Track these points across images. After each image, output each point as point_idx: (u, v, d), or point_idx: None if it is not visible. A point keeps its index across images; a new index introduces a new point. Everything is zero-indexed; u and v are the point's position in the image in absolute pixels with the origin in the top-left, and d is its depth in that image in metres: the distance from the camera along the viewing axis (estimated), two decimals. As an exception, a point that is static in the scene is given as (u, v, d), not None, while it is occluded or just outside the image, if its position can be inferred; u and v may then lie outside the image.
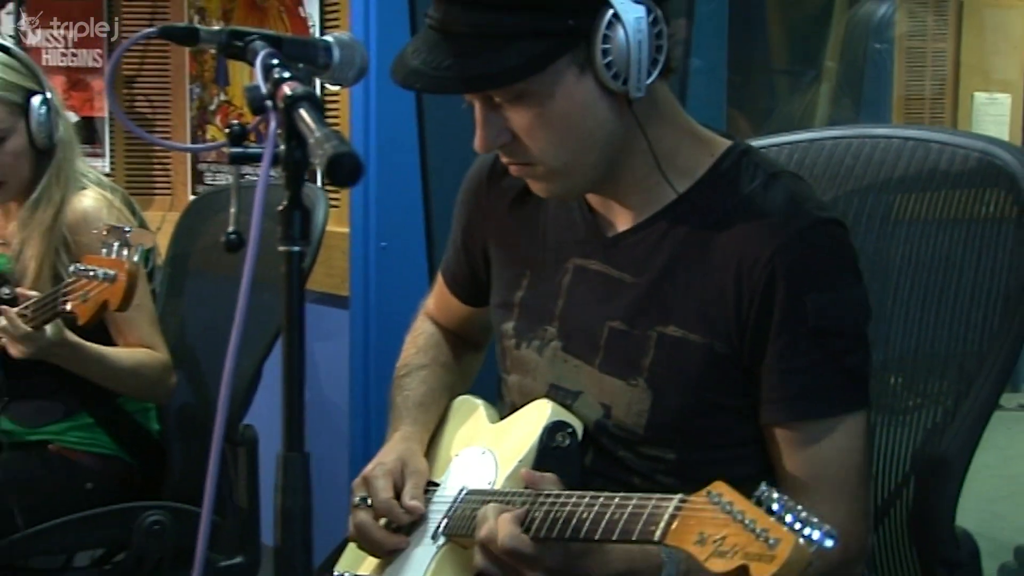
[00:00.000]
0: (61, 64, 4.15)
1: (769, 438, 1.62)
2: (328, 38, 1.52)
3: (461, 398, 1.92)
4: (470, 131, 1.64)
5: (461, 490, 1.71)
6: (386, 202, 3.48)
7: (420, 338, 2.01)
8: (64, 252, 2.57)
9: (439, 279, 1.99)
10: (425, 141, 3.45)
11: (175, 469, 2.74)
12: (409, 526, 1.73)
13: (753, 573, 1.24)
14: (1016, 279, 1.68)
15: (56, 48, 4.16)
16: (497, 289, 1.83)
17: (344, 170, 1.21)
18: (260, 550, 2.65)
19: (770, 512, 1.25)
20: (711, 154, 1.66)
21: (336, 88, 3.46)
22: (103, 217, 2.57)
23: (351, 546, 1.81)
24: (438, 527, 1.69)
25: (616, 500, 1.43)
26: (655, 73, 1.56)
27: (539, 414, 1.69)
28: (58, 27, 4.16)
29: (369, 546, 1.74)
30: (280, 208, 1.31)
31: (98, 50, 4.18)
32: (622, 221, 1.69)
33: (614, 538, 1.41)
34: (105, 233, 2.25)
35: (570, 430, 1.66)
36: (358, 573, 1.76)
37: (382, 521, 1.73)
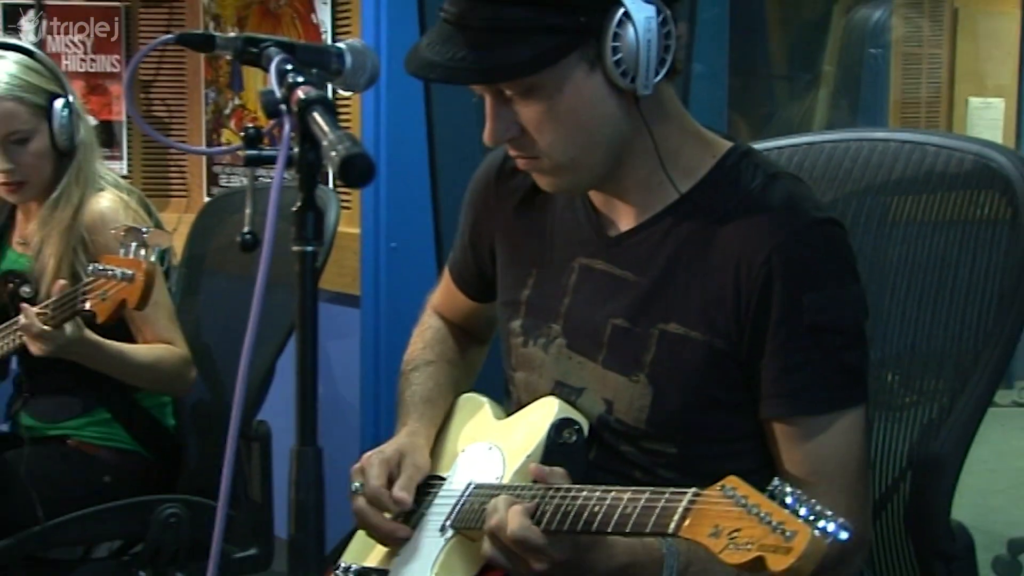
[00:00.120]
0: (80, 69, 4.16)
1: (768, 433, 1.62)
2: (340, 44, 1.52)
3: (467, 395, 1.92)
4: (477, 135, 1.64)
5: (468, 484, 1.70)
6: (396, 204, 3.49)
7: (427, 333, 2.01)
8: (82, 251, 2.58)
9: (446, 275, 1.99)
10: (434, 144, 3.46)
11: (190, 463, 2.74)
12: (414, 518, 1.73)
13: (770, 565, 1.23)
14: (1010, 279, 1.68)
15: (75, 54, 4.17)
16: (503, 287, 1.83)
17: (356, 171, 1.21)
18: (273, 542, 2.65)
19: (784, 505, 1.25)
20: (713, 155, 1.66)
21: (347, 93, 3.46)
22: (120, 218, 2.58)
23: (359, 535, 1.81)
24: (445, 520, 1.69)
25: (628, 494, 1.43)
26: (662, 72, 1.56)
27: (546, 411, 1.68)
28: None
29: (369, 530, 1.74)
30: (294, 209, 1.31)
31: (116, 56, 4.19)
32: (625, 220, 1.69)
33: (627, 531, 1.41)
34: (123, 234, 2.25)
35: (577, 426, 1.66)
36: (364, 564, 1.76)
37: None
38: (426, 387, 1.91)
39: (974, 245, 1.72)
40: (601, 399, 1.66)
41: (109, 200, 2.62)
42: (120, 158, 4.19)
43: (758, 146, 1.79)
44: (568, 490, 1.50)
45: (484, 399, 1.88)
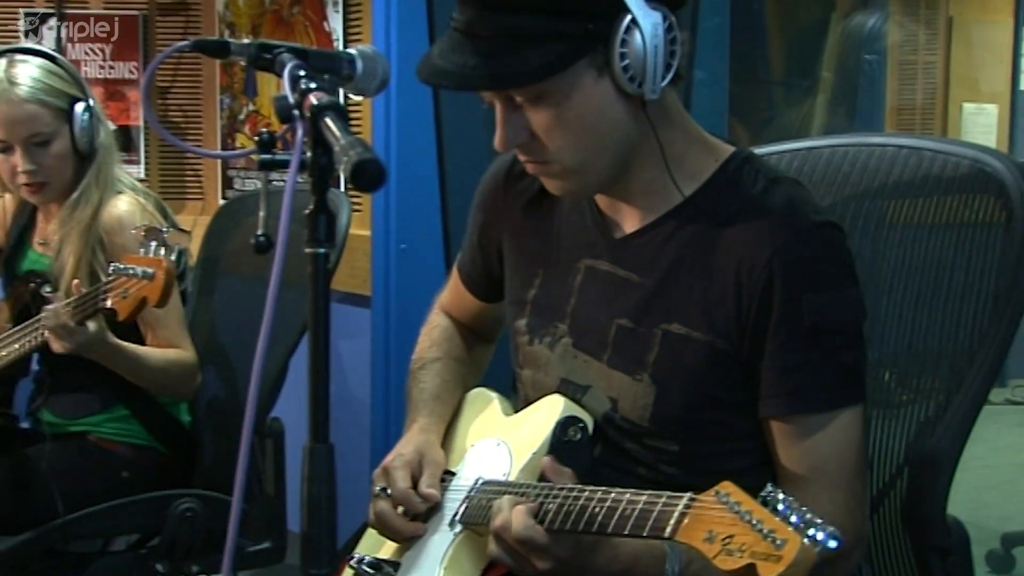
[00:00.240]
0: (99, 76, 4.16)
1: (768, 432, 1.61)
2: (352, 51, 1.52)
3: (476, 391, 1.92)
4: (485, 139, 1.64)
5: (477, 480, 1.70)
6: (405, 206, 3.49)
7: (435, 331, 2.00)
8: (100, 251, 2.58)
9: (454, 275, 1.99)
10: (442, 149, 3.45)
11: (206, 459, 2.74)
12: (427, 514, 1.73)
13: (760, 572, 1.23)
14: (1004, 280, 1.67)
15: (94, 60, 4.17)
16: (511, 287, 1.83)
17: (368, 176, 1.21)
18: (286, 535, 2.65)
19: (776, 512, 1.25)
20: (716, 159, 1.66)
21: (358, 98, 3.46)
22: (137, 221, 2.58)
23: (370, 531, 1.81)
24: (455, 515, 1.68)
25: (627, 496, 1.43)
26: (668, 77, 1.56)
27: (552, 409, 1.68)
28: (96, 41, 4.16)
29: (389, 533, 1.74)
30: (307, 212, 1.31)
31: (134, 63, 4.19)
32: (630, 223, 1.68)
33: (625, 532, 1.41)
34: (143, 233, 2.25)
35: (581, 424, 1.66)
36: (378, 556, 1.76)
37: (400, 509, 1.73)
38: (434, 384, 1.91)
39: (969, 247, 1.71)
40: (606, 397, 1.66)
41: (127, 203, 2.62)
42: (137, 162, 4.19)
43: (759, 151, 1.79)
44: (571, 490, 1.50)
45: (494, 394, 1.88)
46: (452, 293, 2.00)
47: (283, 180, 1.32)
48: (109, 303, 2.27)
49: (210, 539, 2.53)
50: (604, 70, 1.54)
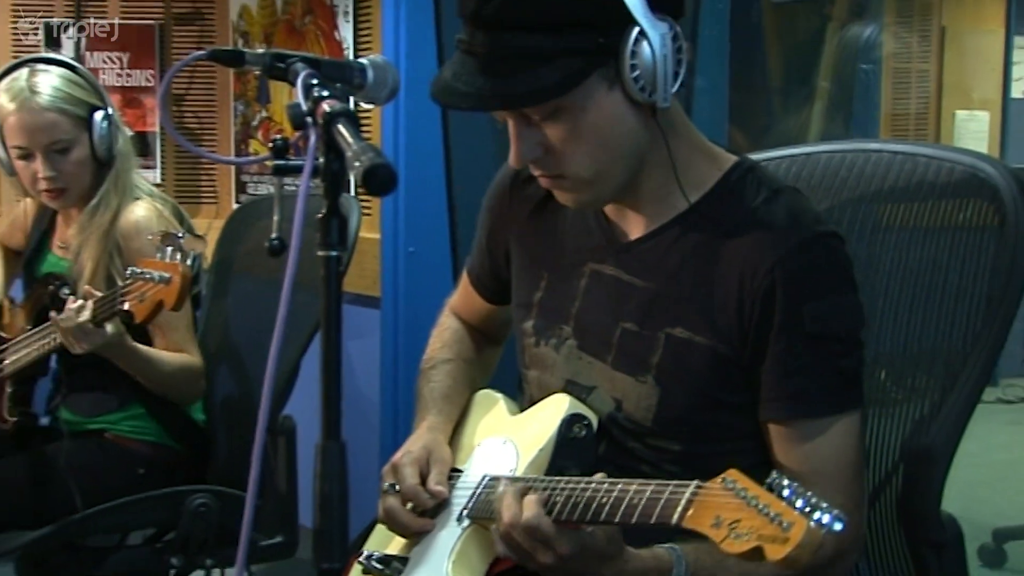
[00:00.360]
0: (117, 84, 4.16)
1: (768, 434, 1.61)
2: (363, 60, 1.52)
3: (483, 392, 1.92)
4: (491, 146, 1.64)
5: (484, 477, 1.70)
6: (414, 210, 3.49)
7: (445, 333, 2.00)
8: (117, 256, 2.59)
9: (464, 278, 1.99)
10: (450, 154, 3.46)
11: (220, 456, 2.74)
12: (434, 510, 1.73)
13: (768, 554, 1.23)
14: (997, 283, 1.67)
15: (112, 69, 4.17)
16: (518, 290, 1.83)
17: (379, 181, 1.21)
18: (298, 531, 2.65)
19: (781, 497, 1.25)
20: (719, 168, 1.66)
21: (369, 106, 3.46)
22: (154, 227, 2.58)
23: (379, 527, 1.81)
24: (462, 511, 1.68)
25: (634, 486, 1.42)
26: (677, 84, 1.56)
27: (557, 407, 1.68)
28: (114, 50, 4.17)
29: (398, 529, 1.74)
30: (319, 216, 1.31)
31: (151, 71, 4.19)
32: (635, 229, 1.68)
33: (633, 520, 1.40)
34: (160, 239, 2.25)
35: (586, 422, 1.66)
36: (387, 552, 1.76)
37: (409, 505, 1.73)
38: (444, 384, 1.90)
39: (963, 250, 1.71)
40: (611, 398, 1.66)
41: (144, 209, 2.63)
42: (154, 167, 4.19)
43: (758, 156, 1.79)
44: (578, 482, 1.49)
45: (499, 395, 1.88)
46: (462, 295, 2.00)
47: (296, 185, 1.32)
48: (127, 306, 2.27)
49: (224, 533, 2.53)
50: (615, 82, 1.54)
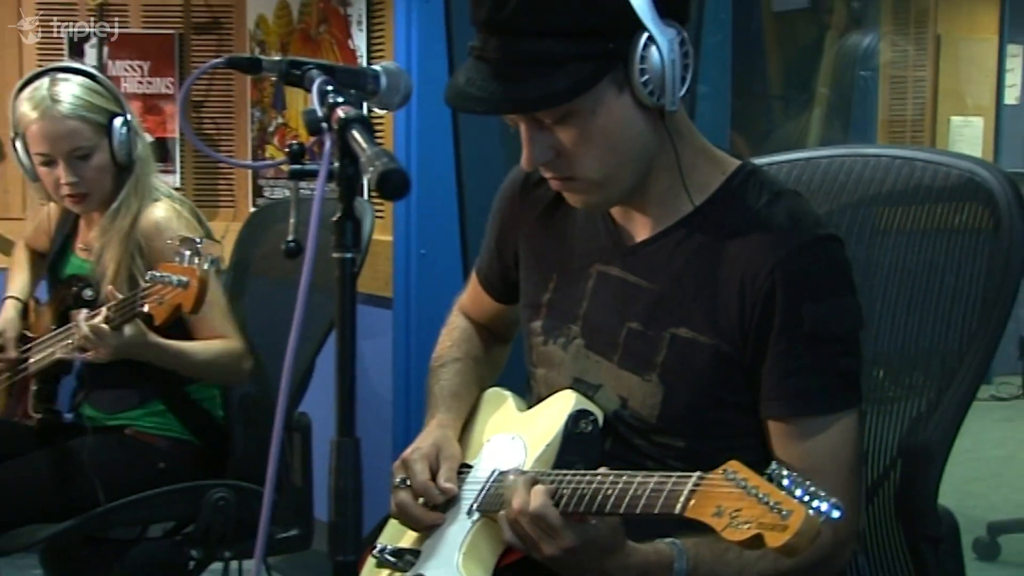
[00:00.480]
0: (138, 91, 4.17)
1: (768, 431, 1.60)
2: (376, 67, 1.51)
3: (492, 390, 1.91)
4: (500, 150, 1.63)
5: (493, 472, 1.70)
6: (425, 213, 3.49)
7: (454, 332, 2.00)
8: (139, 257, 2.59)
9: (473, 278, 1.98)
10: (460, 159, 3.46)
11: (237, 451, 2.74)
12: (445, 504, 1.72)
13: (768, 541, 1.23)
14: (992, 284, 1.66)
15: (133, 77, 4.18)
16: (526, 290, 1.83)
17: (393, 185, 1.21)
18: (313, 524, 2.65)
19: (781, 487, 1.25)
20: (722, 172, 1.65)
21: (382, 112, 3.46)
22: (173, 226, 2.58)
23: (392, 521, 1.81)
24: (472, 505, 1.68)
25: (638, 478, 1.42)
26: (684, 88, 1.55)
27: (564, 403, 1.68)
28: (135, 59, 4.18)
29: (410, 522, 1.73)
30: (334, 219, 1.30)
31: (170, 79, 4.19)
32: (641, 231, 1.68)
33: (638, 511, 1.40)
34: (179, 243, 2.25)
35: (592, 417, 1.66)
36: (399, 545, 1.76)
37: (420, 500, 1.73)
38: (453, 382, 1.90)
39: (959, 253, 1.71)
40: (616, 395, 1.66)
41: (164, 210, 2.63)
42: (173, 171, 4.20)
43: (760, 161, 1.78)
44: (584, 475, 1.49)
45: (508, 393, 1.88)
46: (471, 295, 2.00)
47: (311, 189, 1.32)
48: (146, 308, 2.27)
49: (241, 526, 2.53)
50: (624, 86, 1.53)
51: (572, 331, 1.72)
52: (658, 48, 1.52)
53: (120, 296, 2.37)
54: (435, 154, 3.44)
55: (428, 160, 3.44)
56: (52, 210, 2.85)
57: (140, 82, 4.18)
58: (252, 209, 4.12)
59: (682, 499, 1.34)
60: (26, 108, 2.59)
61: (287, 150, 1.42)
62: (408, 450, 1.77)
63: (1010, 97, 6.84)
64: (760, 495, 1.25)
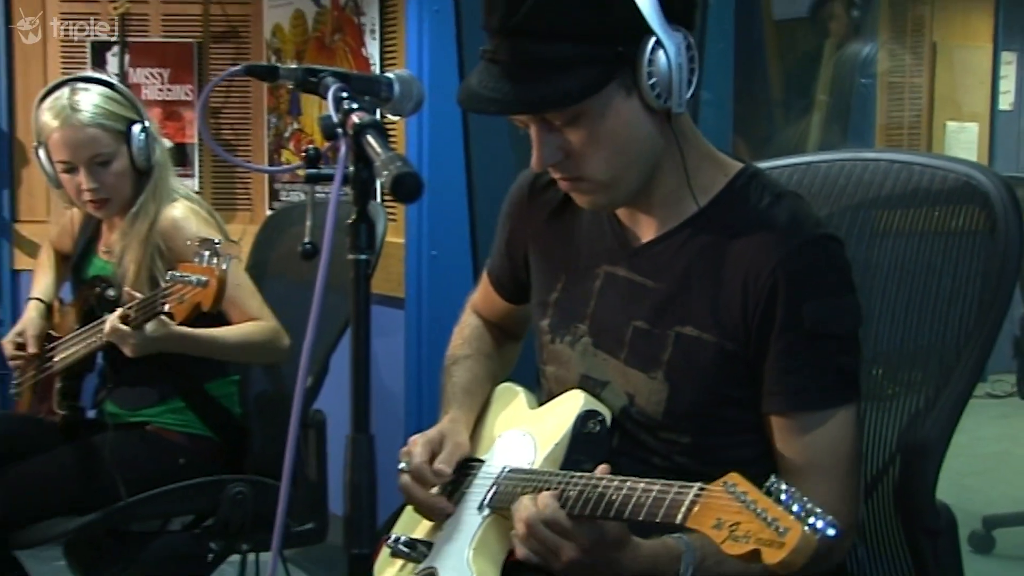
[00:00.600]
0: (157, 98, 4.17)
1: (769, 426, 1.60)
2: (390, 74, 1.51)
3: (504, 385, 1.91)
4: (509, 155, 1.63)
5: (504, 468, 1.69)
6: (436, 216, 3.49)
7: (466, 330, 2.00)
8: (159, 258, 2.59)
9: (484, 278, 1.98)
10: (470, 164, 3.46)
11: (254, 447, 2.74)
12: (456, 496, 1.72)
13: (764, 558, 1.22)
14: (989, 284, 1.66)
15: (153, 84, 4.18)
16: (536, 290, 1.82)
17: (407, 188, 1.21)
18: (328, 517, 2.65)
19: (779, 502, 1.24)
20: (725, 174, 1.65)
21: (395, 118, 3.46)
22: (191, 225, 2.59)
23: (407, 510, 1.81)
24: (483, 500, 1.68)
25: (642, 485, 1.41)
26: (691, 91, 1.55)
27: (573, 403, 1.67)
28: (155, 66, 4.18)
29: (414, 504, 1.73)
30: (349, 221, 1.30)
31: (189, 86, 4.20)
32: (647, 232, 1.68)
33: (640, 518, 1.39)
34: (197, 244, 2.26)
35: (600, 418, 1.65)
36: (413, 536, 1.76)
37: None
38: (465, 379, 1.90)
39: (956, 254, 1.70)
40: (623, 392, 1.65)
41: (181, 210, 2.64)
42: (192, 176, 4.20)
43: (763, 165, 1.78)
44: (590, 479, 1.48)
45: (519, 388, 1.87)
46: (482, 295, 1.99)
47: (327, 192, 1.31)
48: (167, 307, 2.27)
49: (259, 520, 2.53)
50: (632, 89, 1.53)
51: (580, 330, 1.72)
52: (665, 52, 1.52)
53: (139, 296, 2.37)
54: (446, 159, 3.44)
55: (439, 165, 3.44)
56: (75, 214, 2.86)
57: (160, 89, 4.19)
58: (268, 212, 4.12)
59: (683, 509, 1.34)
60: (48, 117, 2.59)
61: (303, 155, 1.41)
62: (414, 436, 1.77)
63: (1004, 103, 6.83)
64: (758, 510, 1.25)
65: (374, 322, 1.32)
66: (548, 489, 1.50)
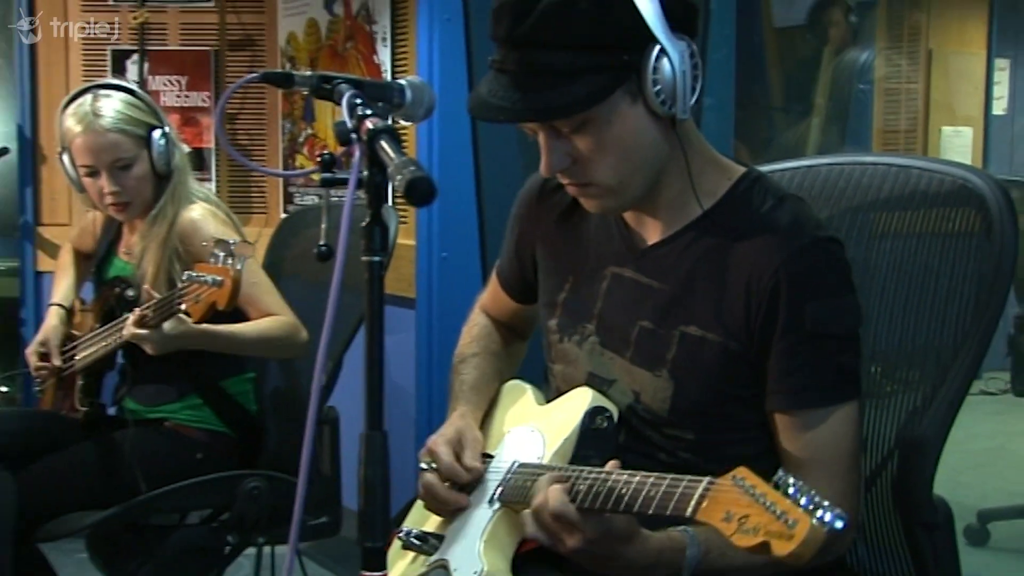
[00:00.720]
0: (176, 104, 4.18)
1: (773, 423, 1.60)
2: (402, 81, 1.51)
3: (512, 382, 1.91)
4: (517, 160, 1.63)
5: (513, 463, 1.69)
6: (446, 219, 3.49)
7: (475, 329, 2.00)
8: (176, 260, 2.59)
9: (493, 279, 1.98)
10: (479, 168, 3.45)
11: (270, 443, 2.74)
12: (470, 487, 1.72)
13: (774, 549, 1.22)
14: (984, 284, 1.65)
15: (172, 91, 4.19)
16: (544, 291, 1.82)
17: (421, 192, 1.21)
18: (342, 511, 2.65)
19: (787, 495, 1.23)
20: (729, 178, 1.65)
21: (406, 123, 3.46)
22: (209, 226, 2.59)
23: (417, 505, 1.80)
24: (493, 494, 1.67)
25: (651, 479, 1.41)
26: (695, 97, 1.55)
27: (581, 399, 1.67)
28: (174, 74, 4.19)
29: (436, 503, 1.73)
30: (363, 224, 1.30)
31: (207, 93, 4.20)
32: (652, 235, 1.67)
33: (651, 512, 1.39)
34: (213, 245, 2.26)
35: (608, 414, 1.65)
36: (424, 529, 1.75)
37: (447, 483, 1.72)
38: (473, 376, 1.90)
39: (953, 255, 1.70)
40: (630, 390, 1.65)
41: (199, 212, 2.64)
42: (209, 180, 4.20)
43: (765, 168, 1.77)
44: (599, 473, 1.48)
45: (528, 386, 1.87)
46: (491, 295, 1.99)
47: (340, 196, 1.31)
48: (184, 306, 2.27)
49: (274, 514, 2.52)
50: (638, 96, 1.53)
51: (587, 329, 1.71)
52: (670, 60, 1.52)
53: (157, 295, 2.37)
54: (456, 163, 3.44)
55: (449, 169, 3.44)
56: (98, 215, 2.86)
57: (178, 96, 4.19)
58: (283, 215, 4.12)
59: (693, 502, 1.33)
60: (71, 123, 2.60)
61: (319, 159, 1.41)
62: (432, 437, 1.76)
63: (998, 108, 6.82)
64: (767, 503, 1.24)
65: (386, 321, 1.32)
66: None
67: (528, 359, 2.02)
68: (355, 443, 1.31)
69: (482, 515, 1.66)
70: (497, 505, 1.66)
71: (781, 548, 1.21)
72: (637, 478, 1.43)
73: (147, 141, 2.61)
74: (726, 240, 1.60)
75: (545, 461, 1.65)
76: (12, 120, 4.30)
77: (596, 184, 1.60)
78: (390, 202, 3.05)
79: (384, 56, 3.71)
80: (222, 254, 2.23)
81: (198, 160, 4.14)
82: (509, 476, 1.67)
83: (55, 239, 4.09)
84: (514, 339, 2.01)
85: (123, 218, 2.70)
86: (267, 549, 2.62)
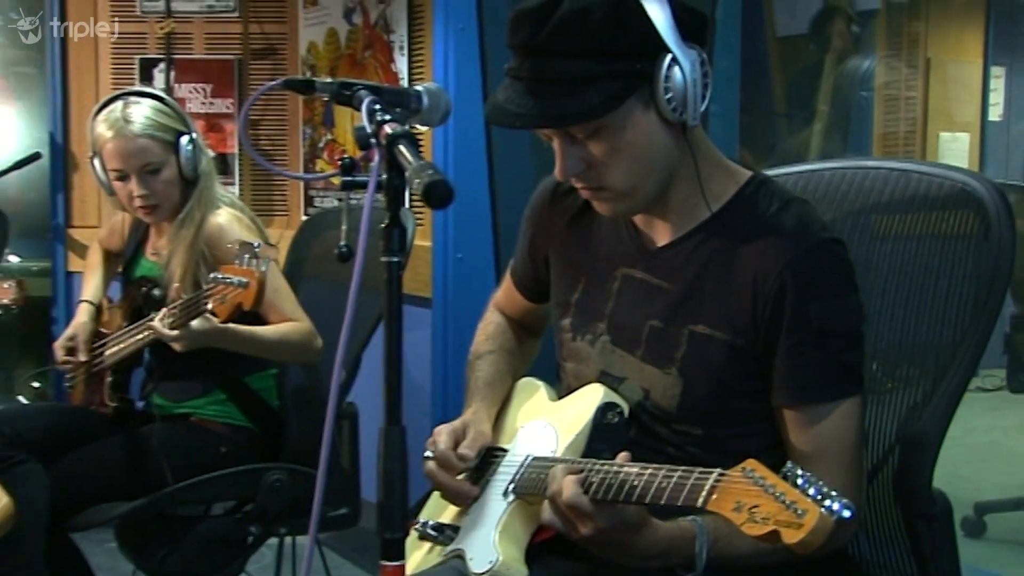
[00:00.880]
0: (201, 111, 4.19)
1: (779, 418, 1.59)
2: (419, 87, 1.50)
3: (526, 379, 1.90)
4: (530, 164, 1.63)
5: (527, 457, 1.69)
6: (461, 221, 3.49)
7: (489, 327, 1.99)
8: (202, 263, 2.59)
9: (507, 278, 1.98)
10: (493, 171, 3.46)
11: (292, 437, 2.74)
12: (482, 482, 1.72)
13: (784, 538, 1.21)
14: (982, 285, 1.65)
15: (197, 98, 4.20)
16: (556, 291, 1.82)
17: (438, 195, 1.20)
18: (360, 503, 2.65)
19: (796, 486, 1.23)
20: (736, 182, 1.64)
21: (423, 128, 3.47)
22: (234, 230, 2.59)
23: (434, 497, 1.80)
24: (508, 486, 1.67)
25: (663, 471, 1.41)
26: (705, 104, 1.55)
27: (593, 395, 1.67)
28: (199, 81, 4.20)
29: (440, 489, 1.73)
30: (383, 226, 1.30)
31: (230, 99, 4.21)
32: (662, 237, 1.67)
33: (662, 503, 1.39)
34: (239, 247, 2.26)
35: (619, 409, 1.65)
36: (440, 520, 1.75)
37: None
38: (488, 373, 1.90)
39: (952, 257, 1.69)
40: (640, 387, 1.65)
41: (225, 216, 2.64)
42: (233, 183, 4.21)
43: (771, 173, 1.77)
44: (612, 465, 1.48)
45: (540, 383, 1.87)
46: (505, 294, 1.99)
47: (359, 199, 1.31)
48: (210, 306, 2.28)
49: (296, 505, 2.53)
50: (650, 103, 1.53)
51: (599, 328, 1.71)
52: (681, 68, 1.52)
53: (184, 295, 2.38)
54: (470, 167, 3.44)
55: (464, 172, 3.44)
56: (126, 216, 2.87)
57: (203, 103, 4.20)
58: (304, 217, 4.13)
59: (704, 493, 1.33)
60: (102, 129, 2.60)
61: (339, 163, 1.41)
62: (438, 427, 1.76)
63: (994, 114, 6.80)
64: (777, 493, 1.24)
65: (404, 319, 1.31)
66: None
67: (539, 357, 2.02)
68: (374, 438, 1.31)
69: (497, 507, 1.66)
70: (512, 497, 1.65)
71: (791, 536, 1.20)
72: (649, 470, 1.43)
73: (175, 146, 2.62)
74: (734, 242, 1.59)
75: (558, 455, 1.64)
76: (44, 127, 4.32)
77: (609, 188, 1.60)
78: (408, 204, 3.05)
79: (401, 64, 3.71)
80: (247, 256, 2.23)
81: (222, 165, 4.15)
82: (523, 469, 1.67)
83: (85, 240, 4.10)
84: (527, 337, 2.01)
85: (151, 221, 2.71)
86: (288, 539, 2.63)
